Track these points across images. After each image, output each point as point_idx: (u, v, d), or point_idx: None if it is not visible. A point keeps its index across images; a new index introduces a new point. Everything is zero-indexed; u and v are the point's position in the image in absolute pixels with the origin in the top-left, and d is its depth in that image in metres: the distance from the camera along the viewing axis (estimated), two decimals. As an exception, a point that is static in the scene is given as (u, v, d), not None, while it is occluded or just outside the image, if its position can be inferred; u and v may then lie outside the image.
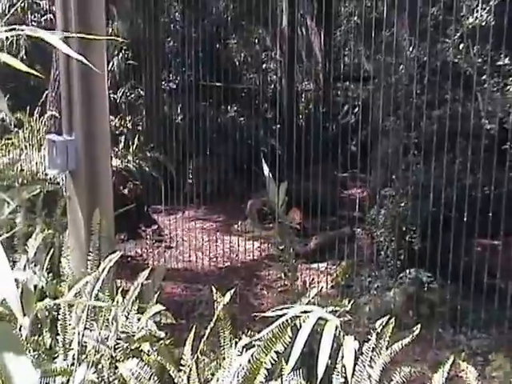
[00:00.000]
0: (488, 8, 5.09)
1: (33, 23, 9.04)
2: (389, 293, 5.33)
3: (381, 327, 2.78)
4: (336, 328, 2.26)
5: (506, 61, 4.93)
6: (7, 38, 7.88)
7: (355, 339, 2.48)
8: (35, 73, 1.61)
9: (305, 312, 2.19)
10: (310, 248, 6.63)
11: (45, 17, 8.97)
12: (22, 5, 8.91)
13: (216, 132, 8.89)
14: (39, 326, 3.40)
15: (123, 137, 8.31)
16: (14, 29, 1.48)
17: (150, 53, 8.64)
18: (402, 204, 5.50)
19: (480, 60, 5.11)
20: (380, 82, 6.17)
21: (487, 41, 4.92)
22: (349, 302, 3.26)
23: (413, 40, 5.79)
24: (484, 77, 5.12)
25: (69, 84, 3.62)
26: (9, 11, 8.83)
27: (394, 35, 5.83)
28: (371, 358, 2.63)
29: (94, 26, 3.54)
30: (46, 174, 5.63)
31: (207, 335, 2.91)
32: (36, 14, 9.20)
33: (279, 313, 2.32)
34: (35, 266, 3.69)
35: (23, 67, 1.52)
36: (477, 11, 5.17)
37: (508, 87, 5.06)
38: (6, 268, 1.20)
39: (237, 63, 11.92)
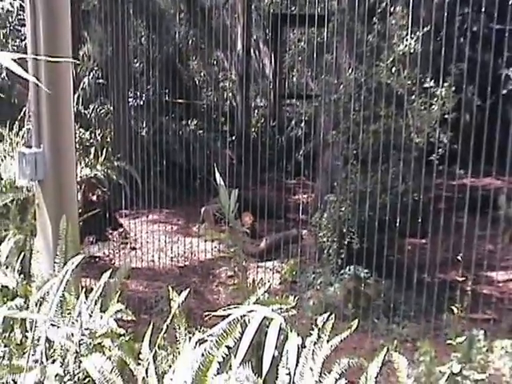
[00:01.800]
0: (416, 37, 5.12)
1: (14, 47, 8.85)
2: (331, 288, 5.30)
3: (322, 322, 2.73)
4: (281, 324, 2.20)
5: (432, 83, 4.96)
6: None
7: (298, 334, 2.43)
8: None
9: (250, 312, 2.12)
10: (260, 248, 6.57)
11: (25, 41, 8.79)
12: (4, 31, 8.77)
13: (177, 143, 8.78)
14: (11, 323, 3.27)
15: (93, 148, 8.12)
16: None
17: (118, 72, 8.49)
18: (343, 208, 5.48)
19: (409, 82, 5.13)
20: (323, 100, 6.16)
21: (415, 65, 4.96)
22: (295, 298, 3.20)
23: (352, 63, 5.79)
24: (413, 96, 5.15)
25: (38, 100, 3.50)
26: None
27: (335, 59, 5.83)
28: (313, 351, 2.57)
29: (60, 50, 3.44)
30: (23, 183, 5.46)
31: (164, 331, 2.82)
32: (17, 40, 9.01)
33: (229, 311, 2.25)
34: (7, 268, 3.56)
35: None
36: (406, 40, 5.19)
37: (433, 106, 5.09)
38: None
39: (197, 82, 11.84)
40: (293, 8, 11.95)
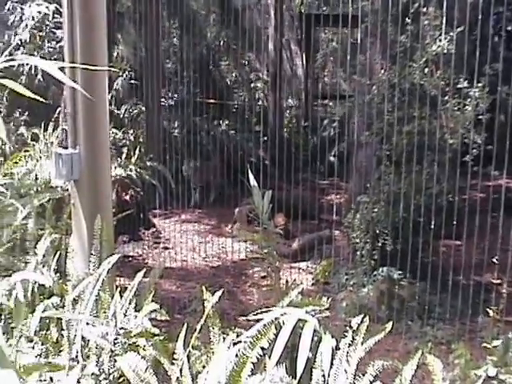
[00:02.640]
0: (449, 38, 5.06)
1: (49, 49, 9.02)
2: (364, 289, 5.26)
3: (356, 325, 2.71)
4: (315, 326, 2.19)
5: (465, 84, 4.90)
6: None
7: (332, 336, 2.42)
8: (34, 96, 1.57)
9: (283, 314, 2.12)
10: (293, 249, 6.55)
11: (60, 43, 8.98)
12: (41, 34, 8.96)
13: (209, 144, 8.81)
14: (47, 321, 3.31)
15: (126, 148, 8.21)
16: (13, 59, 1.47)
17: (151, 73, 8.57)
18: (376, 209, 5.44)
19: (443, 83, 5.08)
20: (356, 100, 6.13)
21: (449, 66, 4.91)
22: (327, 299, 3.18)
23: (385, 63, 5.75)
24: (446, 97, 5.09)
25: (74, 102, 3.55)
26: (30, 40, 8.87)
27: (368, 59, 5.80)
28: (347, 353, 2.55)
29: (96, 54, 3.48)
30: (57, 183, 5.54)
31: (198, 331, 2.83)
32: (52, 42, 9.19)
33: (263, 314, 2.25)
34: (44, 266, 3.61)
35: (23, 91, 1.51)
36: (439, 40, 5.14)
37: (467, 107, 5.03)
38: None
39: (228, 82, 11.87)
40: (324, 8, 11.92)
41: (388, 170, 5.41)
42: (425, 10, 5.24)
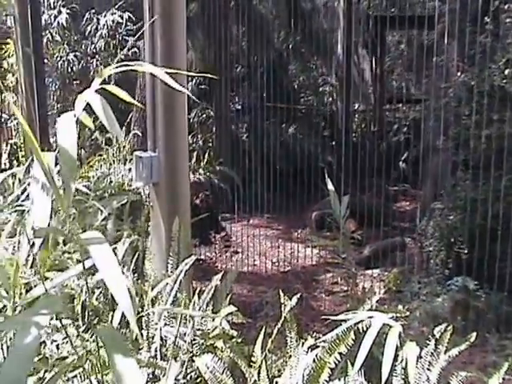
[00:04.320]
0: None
1: (121, 57, 9.35)
2: (437, 299, 5.16)
3: (438, 334, 2.68)
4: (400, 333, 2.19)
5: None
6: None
7: (417, 344, 2.40)
8: (136, 103, 1.66)
9: (369, 317, 2.12)
10: (364, 255, 6.50)
11: (131, 50, 9.28)
12: (114, 42, 9.32)
13: (278, 148, 8.85)
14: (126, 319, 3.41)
15: (195, 152, 8.36)
16: (127, 65, 1.58)
17: (220, 78, 8.69)
18: (451, 216, 5.34)
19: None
20: (430, 104, 6.04)
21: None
22: (404, 307, 3.15)
23: (461, 65, 5.65)
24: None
25: (153, 108, 3.65)
26: (105, 48, 9.26)
27: (443, 61, 5.71)
28: (429, 362, 2.53)
29: (176, 58, 3.58)
30: (131, 186, 5.70)
31: (275, 335, 2.85)
32: (124, 50, 9.52)
33: (344, 317, 2.26)
34: (123, 267, 3.71)
35: (127, 97, 1.60)
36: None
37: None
38: (122, 284, 1.19)
39: (296, 86, 11.88)
40: (392, 10, 11.79)
41: (465, 175, 5.30)
42: (506, 7, 5.12)
